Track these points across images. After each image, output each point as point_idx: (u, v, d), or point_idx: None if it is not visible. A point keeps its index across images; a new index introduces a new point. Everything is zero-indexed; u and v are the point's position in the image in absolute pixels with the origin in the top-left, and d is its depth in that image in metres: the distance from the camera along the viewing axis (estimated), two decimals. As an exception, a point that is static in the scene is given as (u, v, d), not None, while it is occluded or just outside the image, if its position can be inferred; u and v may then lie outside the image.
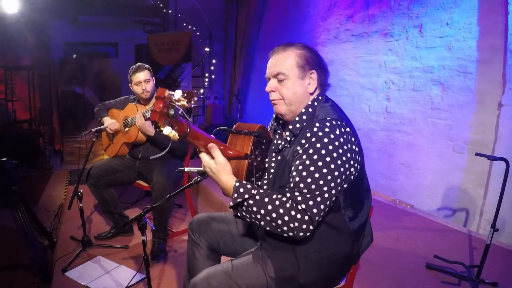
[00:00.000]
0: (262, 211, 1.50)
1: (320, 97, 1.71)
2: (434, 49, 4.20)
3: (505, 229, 3.41)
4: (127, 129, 3.52)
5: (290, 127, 1.69)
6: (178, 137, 1.41)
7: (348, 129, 1.58)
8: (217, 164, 1.55)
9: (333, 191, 1.51)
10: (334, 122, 1.55)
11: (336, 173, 1.50)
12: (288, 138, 1.71)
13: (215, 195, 4.49)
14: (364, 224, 1.74)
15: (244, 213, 1.56)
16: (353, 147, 1.57)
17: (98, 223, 4.00)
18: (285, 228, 1.48)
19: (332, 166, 1.49)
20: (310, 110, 1.68)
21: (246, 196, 1.52)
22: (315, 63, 1.69)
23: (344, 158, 1.52)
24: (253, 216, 1.53)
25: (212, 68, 8.14)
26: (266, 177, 1.80)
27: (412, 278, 2.71)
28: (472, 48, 3.79)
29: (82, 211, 3.26)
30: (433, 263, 2.87)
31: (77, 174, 3.63)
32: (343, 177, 1.53)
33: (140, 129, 3.34)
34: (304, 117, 1.68)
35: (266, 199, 1.51)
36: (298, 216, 1.47)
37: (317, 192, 1.48)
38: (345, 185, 1.57)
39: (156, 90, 3.58)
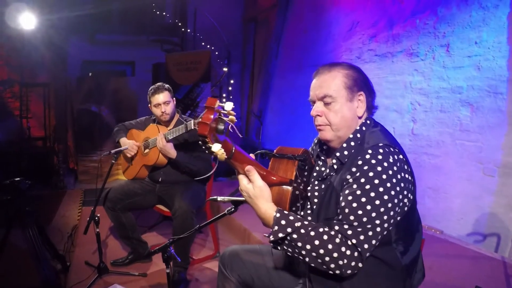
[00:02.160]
0: (308, 247, 1.41)
1: (368, 121, 1.65)
2: (462, 68, 4.25)
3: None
4: (147, 150, 3.51)
5: (338, 154, 1.62)
6: (225, 157, 1.33)
7: (401, 156, 1.51)
8: (255, 188, 1.48)
9: (386, 225, 1.43)
10: (387, 149, 1.48)
11: (389, 205, 1.42)
12: (335, 166, 1.64)
13: (236, 221, 4.47)
14: (416, 258, 1.65)
15: (285, 247, 1.47)
16: (407, 176, 1.50)
17: (114, 248, 3.97)
18: (332, 266, 1.40)
19: (386, 197, 1.41)
20: (359, 135, 1.61)
21: (289, 230, 1.43)
22: (363, 83, 1.64)
23: (398, 189, 1.44)
24: (296, 251, 1.45)
25: (230, 88, 8.29)
26: (309, 206, 1.74)
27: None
28: (502, 67, 3.83)
29: (99, 236, 3.22)
30: None
31: (92, 194, 3.64)
32: (397, 209, 1.45)
33: (161, 151, 3.31)
34: (352, 143, 1.61)
35: (312, 233, 1.43)
36: (348, 252, 1.39)
37: (369, 226, 1.40)
38: (398, 218, 1.49)
39: (177, 111, 3.62)
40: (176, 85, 6.73)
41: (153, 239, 3.83)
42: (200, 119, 1.16)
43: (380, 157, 1.45)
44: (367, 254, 1.42)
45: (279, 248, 1.50)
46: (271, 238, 1.46)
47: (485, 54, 3.98)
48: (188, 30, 7.68)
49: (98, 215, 3.20)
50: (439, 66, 4.53)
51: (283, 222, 1.44)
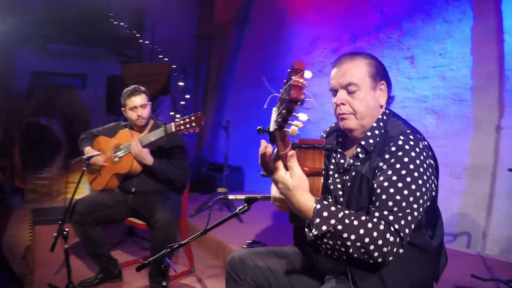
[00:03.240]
0: (353, 237, 1.38)
1: (387, 111, 1.71)
2: (427, 79, 4.60)
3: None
4: (117, 158, 3.32)
5: (363, 142, 1.65)
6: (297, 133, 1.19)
7: (426, 143, 1.58)
8: (294, 178, 1.36)
9: (421, 209, 1.46)
10: (416, 136, 1.55)
11: (423, 189, 1.47)
12: (360, 155, 1.66)
13: (208, 234, 4.29)
14: (442, 242, 1.71)
15: (326, 240, 1.42)
16: (432, 161, 1.57)
17: (79, 267, 3.68)
18: (376, 254, 1.38)
19: (420, 181, 1.46)
20: (382, 124, 1.65)
21: (333, 221, 1.38)
22: (384, 73, 1.70)
23: (428, 173, 1.50)
24: (339, 243, 1.40)
25: (183, 103, 8.28)
26: (330, 200, 1.74)
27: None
28: (466, 76, 4.19)
29: (68, 253, 2.90)
30: (462, 285, 3.01)
31: (42, 213, 3.37)
32: (428, 193, 1.50)
33: (137, 157, 3.15)
34: (376, 131, 1.64)
35: (356, 222, 1.40)
36: (391, 238, 1.39)
37: (408, 210, 1.42)
38: (428, 202, 1.53)
39: (152, 116, 3.46)
40: (133, 98, 6.64)
41: (118, 257, 3.60)
42: (291, 82, 1.05)
43: (412, 143, 1.51)
44: (408, 239, 1.43)
45: (318, 242, 1.44)
46: (314, 232, 1.39)
47: (450, 64, 4.35)
48: (146, 42, 7.63)
49: (67, 229, 2.90)
50: (404, 77, 4.86)
51: (325, 213, 1.38)
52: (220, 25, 7.99)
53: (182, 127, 3.01)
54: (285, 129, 1.14)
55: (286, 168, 1.38)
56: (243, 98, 7.71)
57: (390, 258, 1.40)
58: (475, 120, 4.14)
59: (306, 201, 1.38)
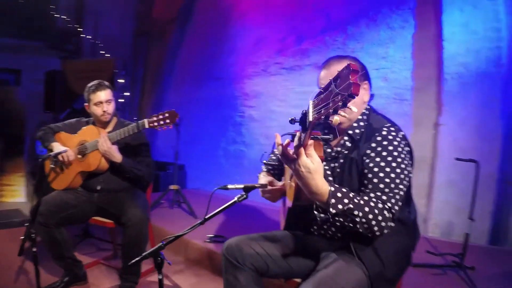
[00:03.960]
0: (360, 214, 1.62)
1: (368, 106, 1.98)
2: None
3: (454, 229, 4.21)
4: (81, 156, 3.18)
5: (350, 132, 1.90)
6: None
7: (403, 133, 1.85)
8: (314, 163, 1.53)
9: (405, 188, 1.74)
10: (396, 127, 1.84)
11: (405, 172, 1.75)
12: (348, 144, 1.91)
13: (166, 230, 4.33)
14: (416, 217, 1.99)
15: (337, 218, 1.63)
16: (408, 148, 1.85)
17: (40, 270, 3.47)
18: (376, 228, 1.64)
19: (403, 166, 1.75)
20: (365, 117, 1.92)
21: (346, 201, 1.60)
22: (366, 74, 1.96)
23: (407, 159, 1.79)
24: (348, 219, 1.63)
25: (122, 100, 8.18)
26: None
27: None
28: (407, 78, 4.69)
29: (37, 258, 2.73)
30: (419, 261, 3.37)
31: None
32: (408, 175, 1.78)
33: (105, 154, 3.07)
34: (361, 123, 1.90)
35: (362, 202, 1.64)
36: (387, 214, 1.66)
37: (396, 191, 1.70)
38: (408, 183, 1.81)
39: (115, 113, 3.39)
40: (74, 95, 6.47)
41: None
42: (352, 81, 1.20)
43: (394, 133, 1.79)
44: (397, 215, 1.71)
45: (332, 219, 1.64)
46: (333, 211, 1.59)
47: (392, 67, 4.83)
48: (88, 37, 7.43)
49: (35, 231, 2.75)
50: (348, 77, 5.27)
51: (339, 194, 1.60)
52: (159, 23, 7.99)
53: (155, 124, 3.00)
54: (330, 119, 1.30)
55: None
56: (183, 97, 7.78)
57: (385, 231, 1.68)
58: (415, 117, 4.64)
59: (323, 184, 1.57)
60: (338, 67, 1.78)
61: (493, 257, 3.61)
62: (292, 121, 1.55)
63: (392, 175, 1.72)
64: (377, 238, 1.74)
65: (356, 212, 1.61)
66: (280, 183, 2.25)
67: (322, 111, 1.27)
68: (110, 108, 3.22)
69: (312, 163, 1.52)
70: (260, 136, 6.37)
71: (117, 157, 3.08)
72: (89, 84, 3.21)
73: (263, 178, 2.30)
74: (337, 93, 1.21)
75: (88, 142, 3.17)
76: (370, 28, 5.03)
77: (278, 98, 6.17)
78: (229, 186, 1.91)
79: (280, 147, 1.56)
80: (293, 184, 1.89)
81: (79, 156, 3.19)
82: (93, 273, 3.48)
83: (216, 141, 7.07)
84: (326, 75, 1.92)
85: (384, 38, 4.91)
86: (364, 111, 1.95)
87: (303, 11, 5.84)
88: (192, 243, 3.99)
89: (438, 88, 4.40)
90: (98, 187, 3.25)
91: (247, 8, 6.69)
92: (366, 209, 1.63)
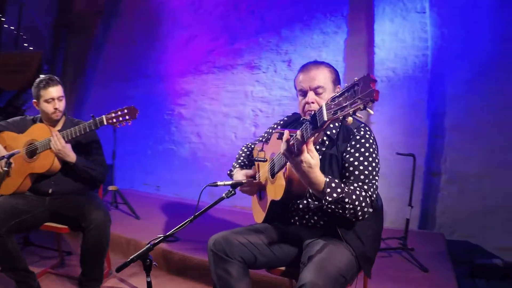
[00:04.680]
0: (349, 201, 1.84)
1: None
2: (303, 80, 5.35)
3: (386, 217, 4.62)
4: (31, 157, 3.02)
5: (328, 132, 2.10)
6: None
7: (372, 132, 2.12)
8: (314, 158, 1.72)
9: (378, 179, 2.00)
10: (369, 127, 2.10)
11: (379, 165, 2.02)
12: (326, 142, 2.11)
13: (115, 234, 4.10)
14: (382, 204, 2.24)
15: (329, 205, 1.84)
16: (376, 145, 2.11)
17: None
18: (359, 213, 1.88)
19: (376, 160, 2.01)
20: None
21: (339, 190, 1.82)
22: (339, 79, 2.20)
23: (378, 153, 2.05)
24: (339, 206, 1.84)
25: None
26: None
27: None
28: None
29: None
30: None
31: None
32: (379, 167, 2.04)
33: (59, 154, 2.91)
34: (336, 124, 2.10)
35: (350, 191, 1.86)
36: (368, 201, 1.89)
37: (373, 181, 1.96)
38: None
39: (65, 111, 3.24)
40: (-3, 90, 6.06)
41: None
42: (374, 89, 1.36)
43: (369, 132, 2.05)
44: (374, 202, 1.95)
45: (325, 206, 1.85)
46: (329, 199, 1.81)
47: (324, 69, 5.16)
48: (11, 28, 6.92)
49: None
50: (281, 78, 5.54)
51: (333, 184, 1.82)
52: (81, 16, 7.68)
53: (114, 120, 2.95)
54: (342, 117, 1.47)
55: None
56: (109, 94, 7.55)
57: (366, 216, 1.92)
58: (347, 116, 5.01)
59: (320, 175, 1.78)
60: (316, 72, 2.12)
61: (424, 239, 4.03)
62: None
63: (370, 168, 1.97)
64: (356, 223, 2.00)
65: (346, 200, 1.83)
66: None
67: (339, 113, 1.44)
68: (62, 105, 3.08)
69: (313, 158, 1.71)
70: (190, 135, 6.41)
71: (72, 156, 2.95)
72: (38, 79, 3.05)
73: (239, 173, 2.44)
74: (358, 98, 1.38)
75: (38, 142, 3.00)
76: (304, 32, 5.33)
77: (209, 97, 6.26)
78: (219, 183, 2.00)
79: (286, 144, 1.73)
80: (282, 179, 2.04)
81: (30, 157, 3.03)
82: (43, 283, 3.25)
83: (145, 140, 6.97)
84: (305, 79, 2.14)
85: (317, 42, 5.23)
86: None
87: (237, 12, 5.98)
88: (142, 245, 3.65)
89: (368, 90, 4.80)
90: (50, 190, 3.08)
91: (178, 5, 6.68)
92: (354, 197, 1.85)
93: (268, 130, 2.58)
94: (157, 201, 5.72)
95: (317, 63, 2.20)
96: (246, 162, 2.61)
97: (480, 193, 4.19)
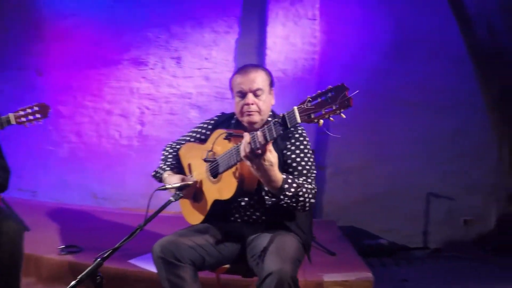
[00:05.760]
0: (302, 194, 1.95)
1: (272, 109, 2.36)
2: (192, 78, 5.37)
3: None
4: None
5: None
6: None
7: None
8: (273, 157, 1.82)
9: (316, 174, 2.19)
10: (302, 126, 2.19)
11: (315, 162, 2.21)
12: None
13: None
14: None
15: (286, 199, 1.93)
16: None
17: None
18: (307, 205, 2.01)
19: (312, 157, 2.18)
20: (271, 118, 2.23)
21: (295, 185, 1.93)
22: (273, 82, 2.32)
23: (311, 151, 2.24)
24: (294, 199, 1.94)
25: None
26: None
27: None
28: (228, 79, 5.17)
29: None
30: None
31: None
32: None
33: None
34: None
35: (301, 184, 1.99)
36: (314, 193, 2.04)
37: (313, 176, 2.13)
38: None
39: None
40: None
41: None
42: (350, 96, 1.55)
43: (305, 132, 2.21)
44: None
45: (283, 200, 1.94)
46: (288, 194, 1.91)
47: (214, 68, 5.26)
48: None
49: None
50: (169, 75, 5.50)
51: (289, 180, 1.93)
52: None
53: (23, 119, 2.83)
54: (317, 120, 1.60)
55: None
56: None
57: (310, 207, 2.07)
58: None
59: (279, 173, 1.88)
60: (256, 74, 2.24)
61: (319, 227, 4.21)
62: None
63: (309, 163, 2.13)
64: (296, 215, 2.16)
65: (300, 193, 1.94)
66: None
67: (313, 116, 1.59)
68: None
69: (273, 157, 1.80)
70: (70, 134, 5.99)
71: None
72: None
73: (174, 176, 2.38)
74: (335, 104, 1.55)
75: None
76: (195, 29, 5.36)
77: (91, 93, 5.94)
78: (167, 186, 2.08)
79: (249, 146, 1.78)
80: (232, 178, 2.08)
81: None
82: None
83: (17, 139, 6.33)
84: (245, 81, 2.19)
85: (208, 40, 5.30)
86: (270, 113, 2.28)
87: (125, 3, 5.77)
88: (44, 259, 3.48)
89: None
90: None
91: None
92: (304, 190, 1.97)
93: (197, 130, 2.54)
94: (38, 208, 5.14)
95: (255, 66, 2.30)
96: (176, 164, 2.54)
97: (361, 183, 4.63)
